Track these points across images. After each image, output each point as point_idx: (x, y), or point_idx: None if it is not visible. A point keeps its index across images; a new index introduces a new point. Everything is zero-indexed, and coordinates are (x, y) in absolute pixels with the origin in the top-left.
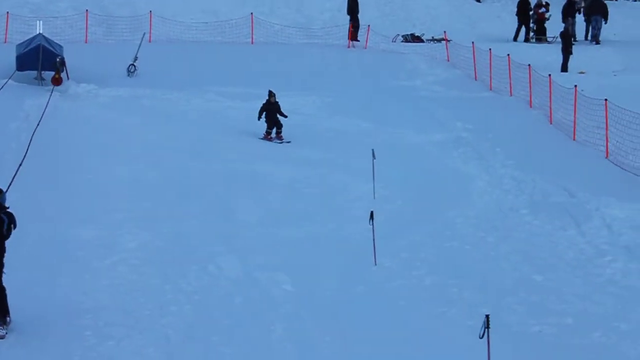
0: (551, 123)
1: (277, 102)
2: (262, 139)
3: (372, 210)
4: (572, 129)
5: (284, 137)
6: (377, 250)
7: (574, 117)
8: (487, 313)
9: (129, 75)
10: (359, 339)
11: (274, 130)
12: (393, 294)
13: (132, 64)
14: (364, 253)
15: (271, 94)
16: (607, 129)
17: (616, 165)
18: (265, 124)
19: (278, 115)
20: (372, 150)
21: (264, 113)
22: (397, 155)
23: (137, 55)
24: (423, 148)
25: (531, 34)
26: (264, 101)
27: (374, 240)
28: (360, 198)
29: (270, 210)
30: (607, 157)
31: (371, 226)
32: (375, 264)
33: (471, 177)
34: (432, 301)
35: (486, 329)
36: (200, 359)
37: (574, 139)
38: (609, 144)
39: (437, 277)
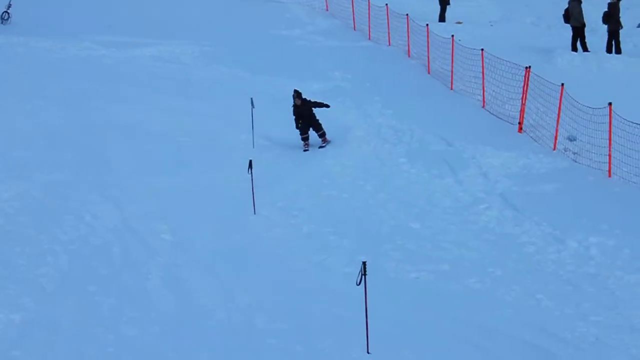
0: (429, 73)
1: (307, 101)
2: (304, 150)
3: (250, 159)
4: (450, 78)
5: (328, 138)
6: (256, 200)
7: (452, 66)
8: (364, 260)
9: (2, 22)
10: (238, 288)
11: (314, 134)
12: (272, 243)
13: (6, 11)
14: (242, 202)
15: (295, 95)
16: (483, 78)
17: (492, 114)
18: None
19: (314, 113)
20: (251, 99)
21: (299, 120)
22: (276, 104)
23: (11, 2)
24: None
25: None
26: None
27: (252, 189)
28: (238, 147)
29: (146, 160)
30: (483, 107)
31: (250, 175)
32: (255, 213)
33: (349, 126)
34: (311, 249)
35: (363, 276)
36: (76, 309)
37: (451, 89)
38: (485, 93)
39: (315, 226)
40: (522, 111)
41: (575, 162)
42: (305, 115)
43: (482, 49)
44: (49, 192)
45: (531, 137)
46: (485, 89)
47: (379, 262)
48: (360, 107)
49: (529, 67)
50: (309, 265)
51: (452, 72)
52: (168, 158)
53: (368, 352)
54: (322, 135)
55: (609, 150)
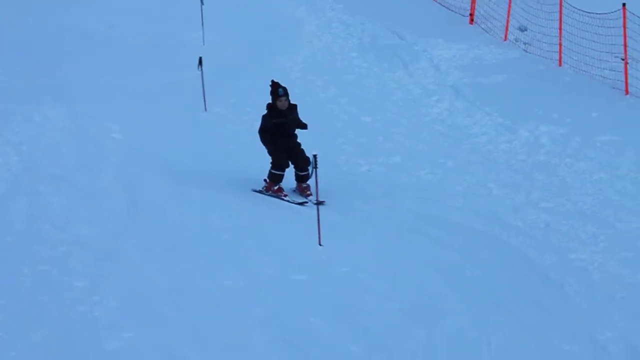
0: None
1: (294, 105)
2: (260, 191)
3: (200, 56)
4: None
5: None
6: (207, 97)
7: None
8: (315, 154)
9: None
10: (188, 182)
11: (296, 174)
12: (223, 139)
13: None
14: (193, 100)
15: (282, 93)
16: None
17: (443, 6)
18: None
19: (295, 134)
20: None
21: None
22: (225, 1)
23: None
24: None
25: None
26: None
27: (203, 86)
28: (189, 45)
29: (95, 61)
30: None
31: (200, 72)
32: (206, 110)
33: (301, 21)
34: (261, 144)
35: (315, 169)
36: (27, 208)
37: None
38: None
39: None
40: (473, 2)
41: (526, 52)
42: (292, 131)
43: None
44: None
45: (482, 28)
46: None
47: (332, 156)
48: (310, 2)
49: None
50: (259, 160)
51: None
52: (117, 58)
53: (320, 244)
54: (306, 177)
55: (560, 39)
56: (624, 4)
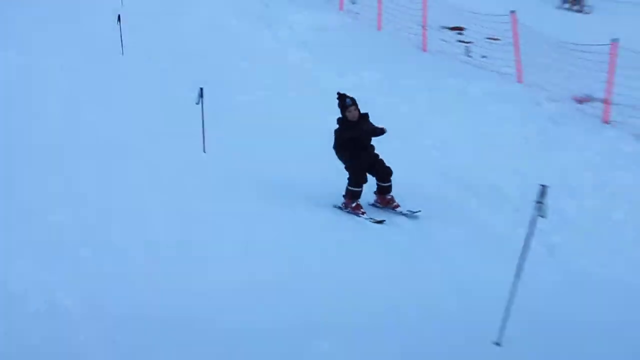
0: None
1: (366, 114)
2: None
3: (119, 14)
4: None
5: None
6: (124, 43)
7: None
8: (202, 87)
9: None
10: (116, 107)
11: (377, 185)
12: (136, 79)
13: None
14: (112, 47)
15: (351, 103)
16: None
17: None
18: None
19: (372, 145)
20: None
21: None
22: None
23: None
24: None
25: None
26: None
27: (121, 35)
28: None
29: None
30: None
31: (118, 25)
32: (123, 54)
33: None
34: (166, 81)
35: (201, 98)
36: None
37: None
38: None
39: (171, 63)
40: None
41: (357, 20)
42: (368, 142)
43: None
44: None
45: (325, 1)
46: None
47: (215, 89)
48: None
49: None
50: (161, 93)
51: None
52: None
53: (204, 152)
54: (388, 189)
55: (379, 10)
56: None
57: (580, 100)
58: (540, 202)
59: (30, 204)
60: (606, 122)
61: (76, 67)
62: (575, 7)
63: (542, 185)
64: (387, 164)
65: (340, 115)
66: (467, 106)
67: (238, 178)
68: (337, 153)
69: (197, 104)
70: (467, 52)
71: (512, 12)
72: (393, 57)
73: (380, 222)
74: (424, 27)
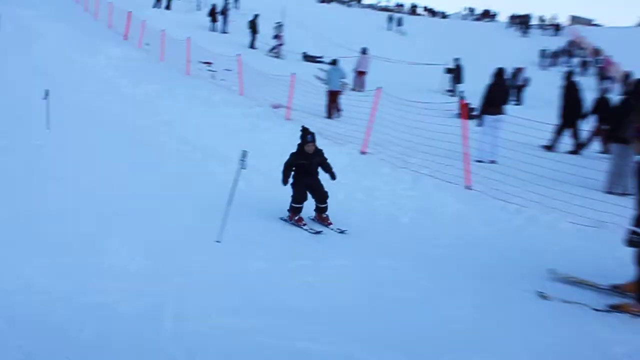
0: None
1: (320, 150)
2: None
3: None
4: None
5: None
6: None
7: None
8: (47, 89)
9: None
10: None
11: (316, 206)
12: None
13: None
14: None
15: (311, 139)
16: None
17: (115, 32)
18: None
19: (317, 172)
20: None
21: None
22: None
23: None
24: None
25: None
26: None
27: None
28: None
29: None
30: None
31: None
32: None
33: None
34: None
35: (46, 97)
36: None
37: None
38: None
39: (21, 75)
40: (126, 30)
41: (148, 54)
42: (314, 171)
43: None
44: None
45: (128, 41)
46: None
47: (57, 93)
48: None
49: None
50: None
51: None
52: None
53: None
54: (324, 209)
55: (162, 48)
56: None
57: (274, 106)
58: (242, 160)
59: None
60: (288, 119)
61: None
62: (275, 55)
63: (244, 150)
64: (325, 189)
65: (300, 143)
66: (211, 107)
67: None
68: (283, 169)
69: (44, 98)
70: (213, 77)
71: (238, 54)
72: (169, 77)
73: (317, 232)
74: (187, 60)
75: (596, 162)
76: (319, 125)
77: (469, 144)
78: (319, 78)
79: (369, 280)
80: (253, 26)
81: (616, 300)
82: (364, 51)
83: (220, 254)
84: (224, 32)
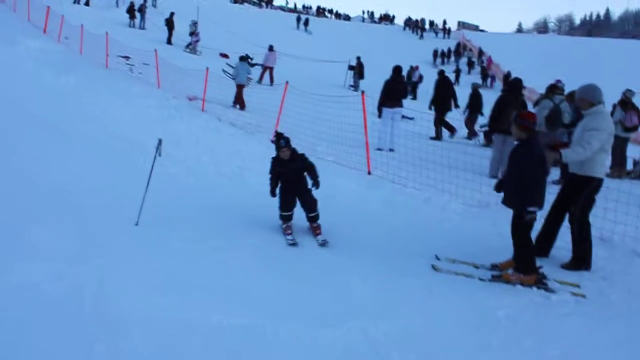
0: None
1: (300, 155)
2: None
3: None
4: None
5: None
6: None
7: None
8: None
9: None
10: None
11: (305, 215)
12: None
13: None
14: None
15: (284, 144)
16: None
17: (35, 25)
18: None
19: (303, 179)
20: None
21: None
22: None
23: None
24: None
25: None
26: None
27: None
28: None
29: None
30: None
31: None
32: None
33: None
34: None
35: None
36: None
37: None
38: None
39: None
40: (45, 25)
41: (68, 47)
42: (295, 178)
43: None
44: None
45: (48, 35)
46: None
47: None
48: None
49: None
50: None
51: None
52: None
53: None
54: (316, 218)
55: (81, 42)
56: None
57: (190, 99)
58: (158, 147)
59: None
60: (203, 110)
61: None
62: (191, 51)
63: (159, 139)
64: (313, 197)
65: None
66: (130, 99)
67: None
68: (270, 179)
69: None
70: (131, 70)
71: (155, 50)
72: (89, 70)
73: (294, 244)
74: (106, 54)
75: (481, 150)
76: (232, 116)
77: (370, 134)
78: (226, 72)
79: (278, 258)
80: (169, 23)
81: (497, 272)
82: (270, 48)
83: (139, 236)
84: (142, 29)
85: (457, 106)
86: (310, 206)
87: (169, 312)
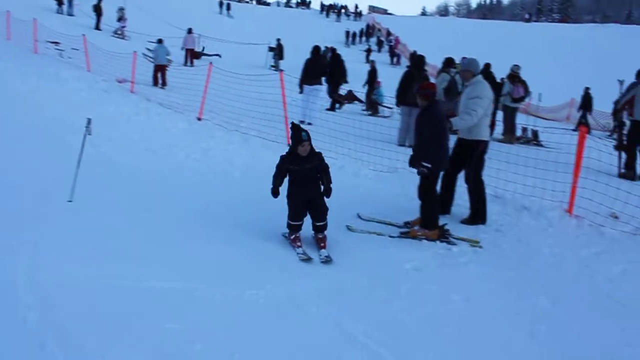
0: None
1: (317, 154)
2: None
3: None
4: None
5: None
6: None
7: None
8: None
9: None
10: None
11: (312, 223)
12: None
13: None
14: None
15: (306, 137)
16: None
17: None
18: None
19: (317, 180)
20: None
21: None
22: None
23: None
24: None
25: None
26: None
27: None
28: None
29: None
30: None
31: None
32: None
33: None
34: None
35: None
36: None
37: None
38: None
39: None
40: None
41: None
42: (308, 180)
43: None
44: None
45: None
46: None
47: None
48: None
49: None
50: None
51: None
52: None
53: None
54: (322, 228)
55: (8, 29)
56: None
57: (119, 81)
58: (87, 126)
59: None
60: (132, 92)
61: None
62: (120, 36)
63: (88, 118)
64: (325, 204)
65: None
66: (60, 83)
67: None
68: (273, 175)
69: None
70: (60, 55)
71: (84, 35)
72: (17, 55)
73: (307, 259)
74: (34, 39)
75: (389, 121)
76: (160, 97)
77: (289, 109)
78: (146, 56)
79: (202, 224)
80: (98, 9)
81: (406, 229)
82: (189, 31)
83: (73, 211)
84: (70, 15)
85: (345, 81)
86: (322, 214)
87: (102, 280)
